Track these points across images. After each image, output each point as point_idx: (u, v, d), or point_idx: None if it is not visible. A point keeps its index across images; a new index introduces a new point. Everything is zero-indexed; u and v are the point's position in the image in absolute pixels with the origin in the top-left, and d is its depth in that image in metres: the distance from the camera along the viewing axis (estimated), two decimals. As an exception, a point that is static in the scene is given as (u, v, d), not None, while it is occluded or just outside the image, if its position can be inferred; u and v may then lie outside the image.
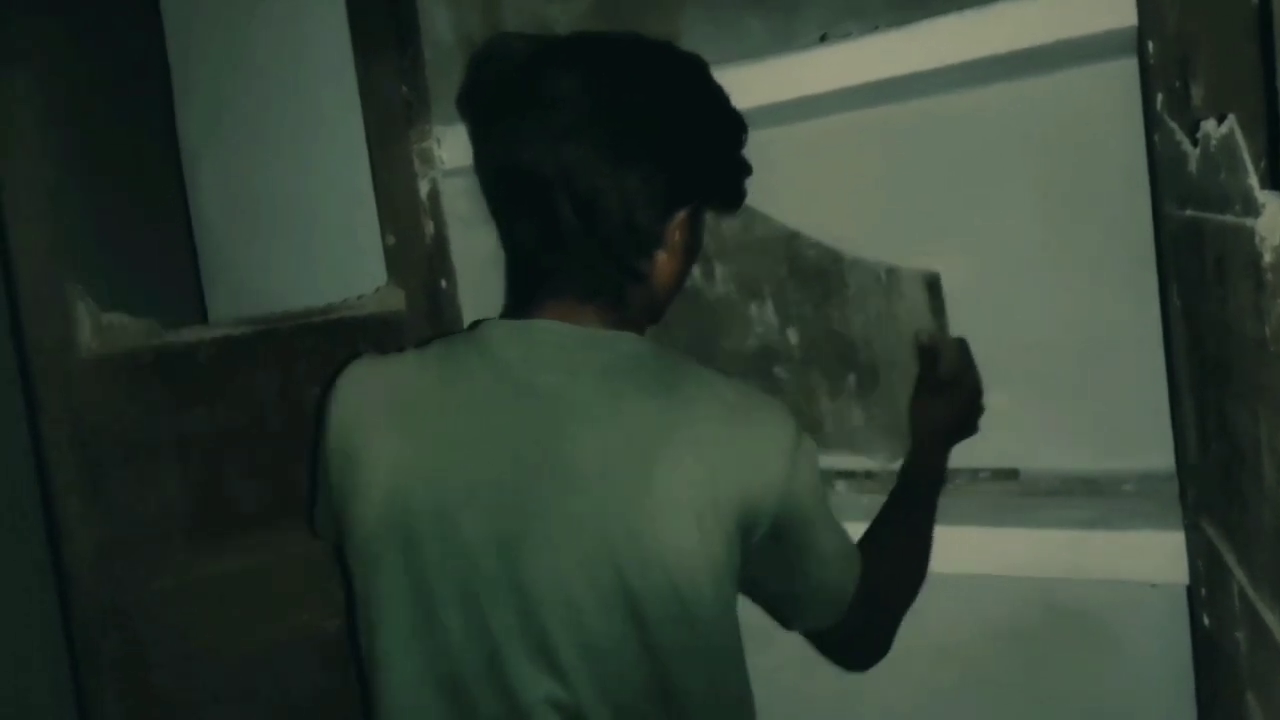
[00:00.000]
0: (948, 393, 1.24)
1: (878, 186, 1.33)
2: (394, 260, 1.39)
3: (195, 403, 1.25)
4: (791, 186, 1.37)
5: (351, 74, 1.40)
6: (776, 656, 1.09)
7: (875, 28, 1.17)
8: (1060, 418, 1.26)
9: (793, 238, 1.31)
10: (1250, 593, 0.72)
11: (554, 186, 0.93)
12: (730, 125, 1.06)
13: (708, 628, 0.91)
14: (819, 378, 1.35)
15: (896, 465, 1.26)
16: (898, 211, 1.32)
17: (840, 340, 1.33)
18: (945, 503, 1.25)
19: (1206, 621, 0.92)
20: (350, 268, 1.45)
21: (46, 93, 1.23)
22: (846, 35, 1.20)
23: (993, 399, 1.28)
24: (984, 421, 1.29)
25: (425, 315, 1.39)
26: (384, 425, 0.96)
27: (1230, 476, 0.77)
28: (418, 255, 1.39)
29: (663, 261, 0.98)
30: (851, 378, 1.34)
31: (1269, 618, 0.67)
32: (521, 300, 0.99)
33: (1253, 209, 0.60)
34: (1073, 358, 1.24)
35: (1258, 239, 0.59)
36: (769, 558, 0.95)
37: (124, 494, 1.21)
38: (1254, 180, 0.61)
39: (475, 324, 1.01)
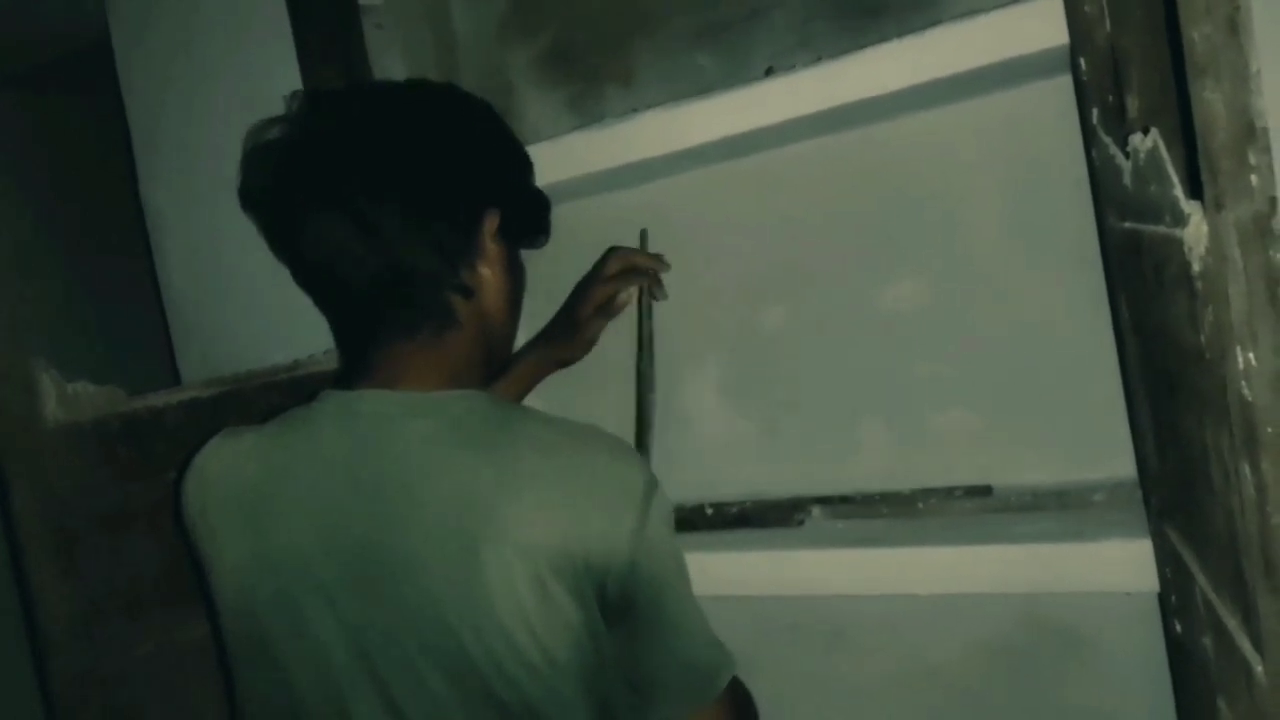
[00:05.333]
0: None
1: (833, 214, 1.34)
2: (359, 313, 1.39)
3: (165, 467, 1.24)
4: (749, 218, 1.38)
5: (310, 132, 1.41)
6: (755, 688, 1.08)
7: (819, 59, 1.19)
8: (1029, 432, 1.27)
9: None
10: (1212, 597, 0.72)
11: (342, 228, 0.91)
12: (498, 135, 1.06)
13: (582, 700, 0.86)
14: None
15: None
16: (853, 238, 1.33)
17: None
18: (921, 524, 1.26)
19: (1178, 628, 0.92)
20: (318, 323, 1.45)
21: (6, 163, 1.23)
22: (791, 68, 1.22)
23: (961, 417, 1.29)
24: (956, 439, 1.30)
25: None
26: (226, 519, 0.94)
27: (1186, 483, 0.77)
28: (383, 307, 1.39)
29: (487, 276, 0.97)
30: None
31: (1230, 622, 0.67)
32: (352, 359, 0.97)
33: (1180, 219, 0.60)
34: (1038, 371, 1.25)
35: (1186, 249, 0.60)
36: (622, 628, 0.89)
37: (98, 562, 1.20)
38: (1179, 191, 0.62)
39: (314, 393, 0.99)
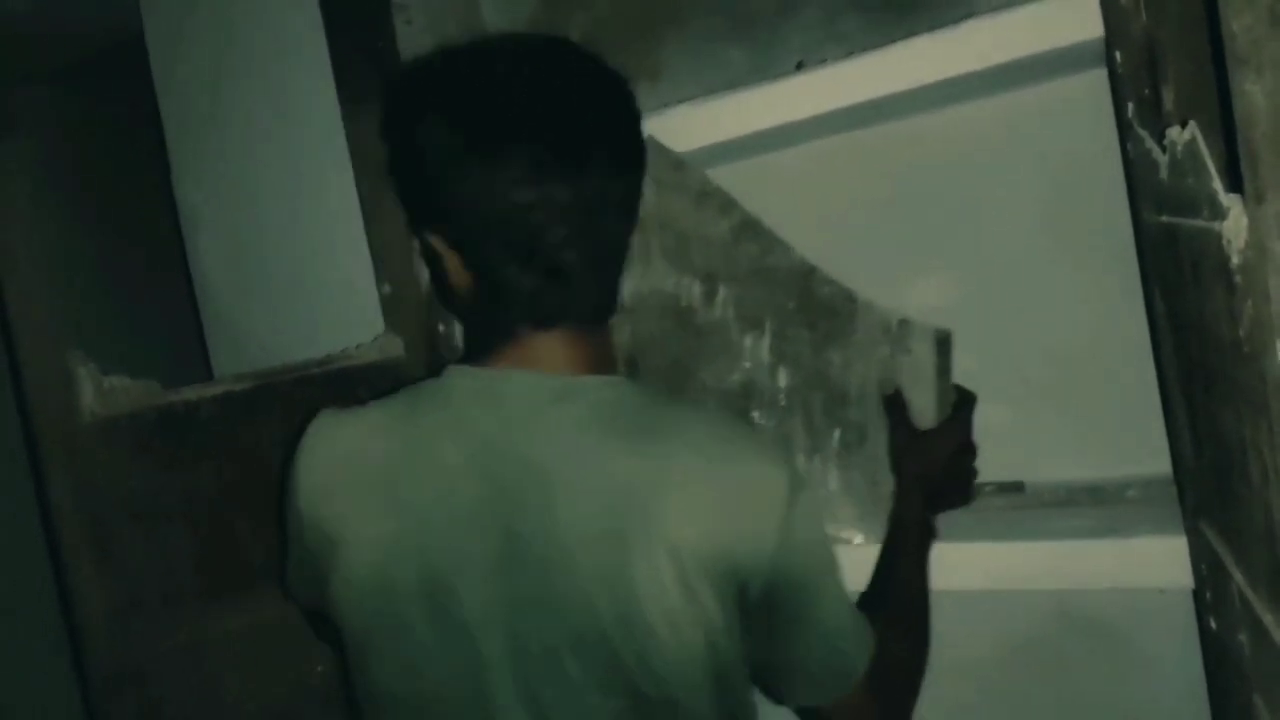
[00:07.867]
0: (929, 448, 1.13)
1: (863, 208, 1.33)
2: (390, 308, 1.40)
3: (200, 460, 1.26)
4: (779, 213, 1.37)
5: (341, 129, 1.42)
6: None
7: (850, 53, 1.18)
8: (1061, 428, 1.26)
9: (809, 272, 1.21)
10: (1249, 594, 0.72)
11: (571, 223, 0.86)
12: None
13: (714, 698, 0.86)
14: (801, 429, 1.23)
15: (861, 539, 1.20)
16: (884, 232, 1.33)
17: (834, 390, 1.21)
18: (952, 519, 1.25)
19: (1213, 624, 0.92)
20: (349, 317, 1.46)
21: (42, 160, 1.24)
22: (822, 62, 1.21)
23: (993, 412, 1.28)
24: (987, 435, 1.29)
25: (424, 360, 1.40)
26: (357, 498, 0.90)
27: (1222, 478, 0.77)
28: (413, 302, 1.40)
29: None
30: (836, 434, 1.21)
31: (1267, 619, 0.67)
32: (488, 335, 0.93)
33: (1219, 213, 0.60)
34: (1071, 367, 1.24)
35: (1225, 242, 0.59)
36: (762, 623, 0.88)
37: (133, 555, 1.22)
38: (1218, 184, 0.61)
39: (440, 370, 0.94)
